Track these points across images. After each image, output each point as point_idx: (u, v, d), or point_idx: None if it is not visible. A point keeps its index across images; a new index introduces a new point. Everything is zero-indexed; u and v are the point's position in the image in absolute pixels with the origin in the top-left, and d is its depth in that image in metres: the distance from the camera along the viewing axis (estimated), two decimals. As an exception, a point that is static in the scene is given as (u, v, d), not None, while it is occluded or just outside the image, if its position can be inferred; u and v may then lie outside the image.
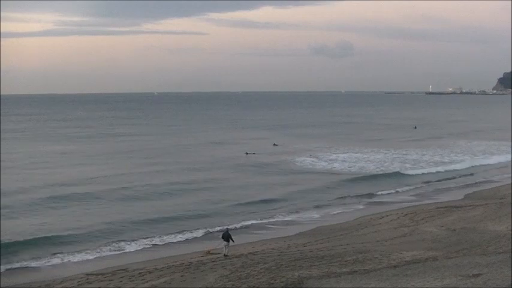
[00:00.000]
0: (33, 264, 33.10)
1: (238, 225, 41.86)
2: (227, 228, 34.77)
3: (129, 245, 37.38)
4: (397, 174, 65.92)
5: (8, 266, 32.51)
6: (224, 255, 32.01)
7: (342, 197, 52.93)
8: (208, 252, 33.31)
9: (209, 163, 74.13)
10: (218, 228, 40.49)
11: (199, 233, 40.30)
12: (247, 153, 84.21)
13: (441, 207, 46.07)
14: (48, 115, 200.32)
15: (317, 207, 49.00)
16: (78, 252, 35.45)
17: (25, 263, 33.09)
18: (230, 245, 32.77)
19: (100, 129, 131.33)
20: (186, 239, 38.94)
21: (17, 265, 32.78)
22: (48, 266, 33.02)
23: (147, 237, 38.85)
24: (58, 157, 79.27)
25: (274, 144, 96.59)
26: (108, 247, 36.70)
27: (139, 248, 36.83)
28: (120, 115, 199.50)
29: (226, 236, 32.88)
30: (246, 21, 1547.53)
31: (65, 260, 33.94)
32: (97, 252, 35.75)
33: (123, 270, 30.40)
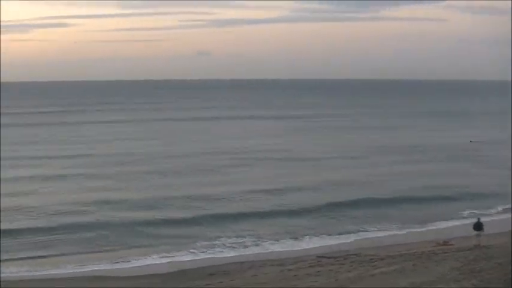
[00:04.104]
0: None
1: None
2: (478, 218, 33.55)
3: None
4: None
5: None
6: (474, 245, 30.94)
7: None
8: (442, 243, 32.37)
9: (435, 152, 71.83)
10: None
11: (436, 224, 39.75)
12: (471, 141, 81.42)
13: None
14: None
15: None
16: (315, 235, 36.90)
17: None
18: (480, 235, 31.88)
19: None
20: (419, 229, 38.56)
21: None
22: (283, 246, 34.97)
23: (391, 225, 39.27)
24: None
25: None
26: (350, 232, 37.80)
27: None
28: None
29: (478, 226, 32.02)
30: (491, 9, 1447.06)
31: (297, 243, 35.65)
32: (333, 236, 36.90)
33: (354, 255, 30.75)
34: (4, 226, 37.48)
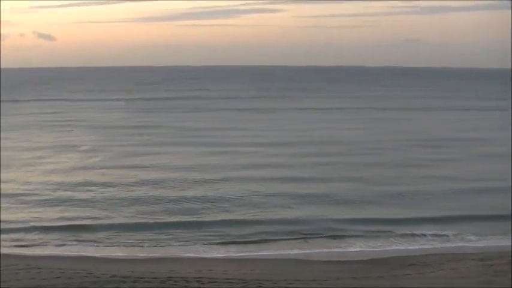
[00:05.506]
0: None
1: None
2: None
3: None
4: None
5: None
6: None
7: None
8: None
9: None
10: None
11: None
12: None
13: None
14: None
15: None
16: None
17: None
18: None
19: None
20: None
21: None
22: (485, 242, 34.53)
23: None
24: None
25: None
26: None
27: None
28: None
29: None
30: None
31: (501, 239, 34.92)
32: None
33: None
34: (193, 218, 38.96)
